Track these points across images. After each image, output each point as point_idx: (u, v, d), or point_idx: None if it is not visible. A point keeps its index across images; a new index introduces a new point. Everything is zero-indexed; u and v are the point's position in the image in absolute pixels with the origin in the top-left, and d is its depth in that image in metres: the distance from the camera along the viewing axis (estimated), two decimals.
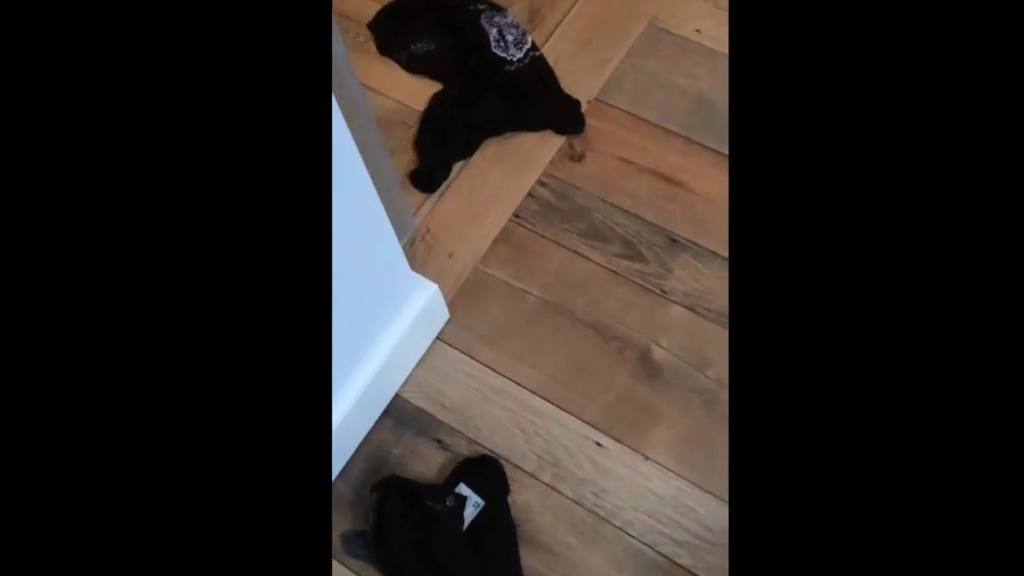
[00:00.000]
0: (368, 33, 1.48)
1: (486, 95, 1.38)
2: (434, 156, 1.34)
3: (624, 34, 1.42)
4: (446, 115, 1.37)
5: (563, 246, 1.26)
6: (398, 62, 1.45)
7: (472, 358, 1.19)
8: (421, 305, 1.12)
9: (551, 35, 1.44)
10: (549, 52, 1.42)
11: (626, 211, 1.27)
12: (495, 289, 1.24)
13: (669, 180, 1.29)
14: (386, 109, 1.41)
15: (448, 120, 1.36)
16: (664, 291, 1.21)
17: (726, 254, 1.22)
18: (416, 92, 1.41)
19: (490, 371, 1.18)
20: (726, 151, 1.30)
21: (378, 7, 1.51)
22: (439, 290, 1.15)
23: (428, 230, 1.29)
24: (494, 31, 1.42)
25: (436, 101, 1.39)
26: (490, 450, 1.13)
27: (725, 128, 1.30)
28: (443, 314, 1.19)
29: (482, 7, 1.46)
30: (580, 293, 1.22)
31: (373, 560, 1.06)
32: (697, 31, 1.41)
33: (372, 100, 1.41)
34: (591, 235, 1.26)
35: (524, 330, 1.20)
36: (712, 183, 1.28)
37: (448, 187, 1.33)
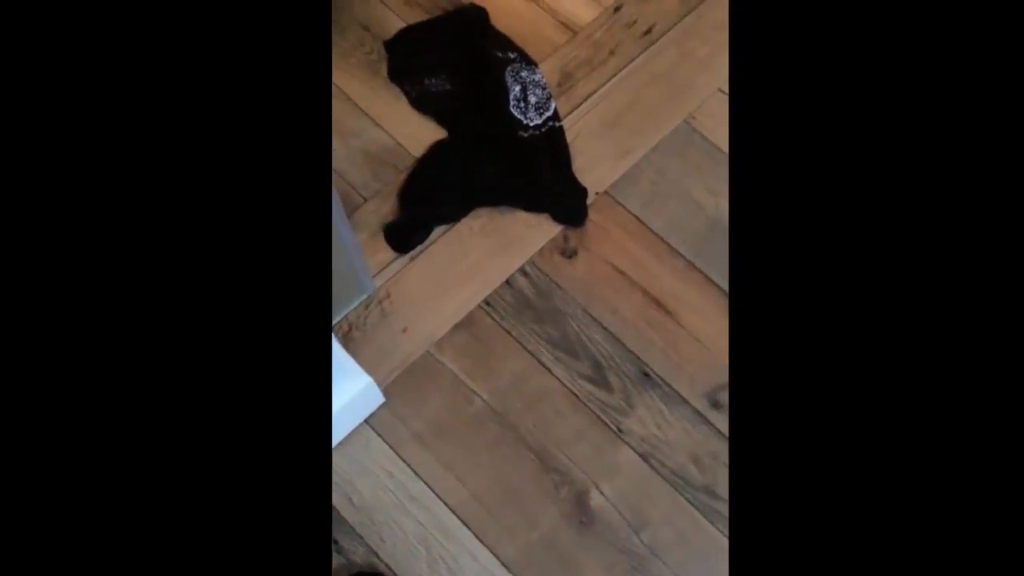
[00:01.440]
0: (383, 52, 1.33)
1: (491, 159, 1.23)
2: (417, 214, 1.19)
3: (655, 125, 1.27)
4: (442, 171, 1.22)
5: (527, 350, 1.12)
6: (407, 94, 1.30)
7: (397, 454, 1.06)
8: (349, 397, 0.99)
9: (578, 106, 1.29)
10: (570, 125, 1.27)
11: (605, 328, 1.14)
12: (443, 381, 1.10)
13: (659, 305, 1.15)
14: (380, 145, 1.26)
15: (443, 177, 1.22)
16: (621, 430, 1.08)
17: (697, 405, 1.09)
18: (417, 134, 1.27)
19: (412, 474, 1.05)
20: (726, 288, 1.16)
21: (402, 24, 1.36)
22: (373, 383, 1.02)
23: (388, 295, 1.15)
24: (517, 88, 1.27)
25: (435, 152, 1.25)
26: (388, 566, 1.00)
27: None
28: (377, 398, 1.06)
29: (512, 56, 1.31)
30: (531, 409, 1.09)
31: None
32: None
33: (368, 131, 1.27)
34: (560, 345, 1.13)
35: (461, 435, 1.07)
36: (704, 321, 1.14)
37: (423, 250, 1.18)
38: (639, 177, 1.24)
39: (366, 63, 1.32)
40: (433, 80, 1.30)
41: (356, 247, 1.03)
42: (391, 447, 1.06)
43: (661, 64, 1.32)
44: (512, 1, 1.38)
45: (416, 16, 1.36)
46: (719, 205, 1.21)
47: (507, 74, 1.28)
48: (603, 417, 1.08)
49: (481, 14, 1.35)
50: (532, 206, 1.21)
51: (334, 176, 1.23)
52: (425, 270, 1.17)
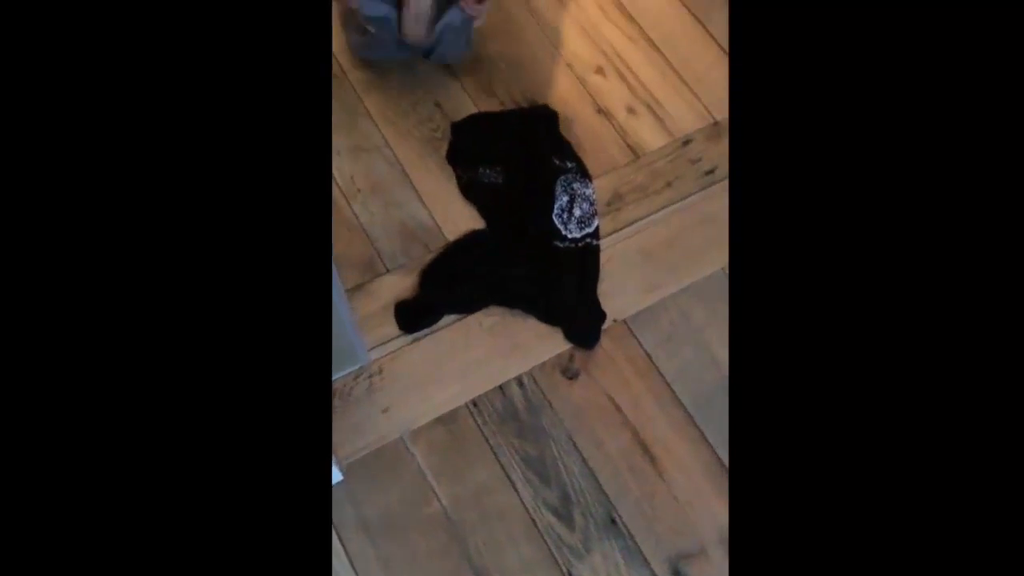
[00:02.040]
0: (448, 132, 1.34)
1: (520, 261, 1.21)
2: (432, 298, 1.18)
3: (691, 267, 1.24)
4: (469, 261, 1.21)
5: (500, 463, 1.08)
6: (458, 178, 1.30)
7: (339, 537, 1.02)
8: None
9: (620, 229, 1.27)
10: (607, 246, 1.25)
11: (585, 460, 1.09)
12: (407, 473, 1.07)
13: (646, 452, 1.10)
14: (418, 221, 1.26)
15: (468, 268, 1.20)
16: (571, 574, 1.02)
17: (657, 569, 1.02)
18: (457, 219, 1.26)
19: (347, 563, 1.01)
20: (724, 458, 1.10)
21: (474, 110, 1.37)
22: (332, 458, 1.00)
23: (380, 370, 1.13)
24: (565, 198, 1.26)
25: (468, 240, 1.24)
26: None
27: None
28: (335, 474, 1.04)
29: (570, 165, 1.30)
30: (486, 525, 1.04)
31: None
32: None
33: (410, 205, 1.27)
34: (535, 467, 1.08)
35: (409, 536, 1.03)
36: (688, 480, 1.08)
37: (428, 334, 1.17)
38: (661, 315, 1.20)
39: (429, 139, 1.33)
40: (487, 170, 1.30)
41: (351, 322, 1.02)
42: (335, 528, 1.03)
43: (713, 207, 1.28)
44: (586, 111, 1.37)
45: (490, 105, 1.37)
46: None
47: (559, 182, 1.27)
48: (556, 554, 1.03)
49: (551, 117, 1.35)
50: (547, 317, 1.18)
51: (366, 239, 1.24)
52: (424, 355, 1.15)
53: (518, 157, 1.31)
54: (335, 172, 1.29)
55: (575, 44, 1.44)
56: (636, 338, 1.18)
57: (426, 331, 1.17)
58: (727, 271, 1.23)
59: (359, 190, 1.28)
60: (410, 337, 1.16)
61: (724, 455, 1.09)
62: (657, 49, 1.44)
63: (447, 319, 1.18)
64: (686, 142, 1.35)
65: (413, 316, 1.16)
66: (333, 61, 1.39)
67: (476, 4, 1.30)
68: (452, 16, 1.29)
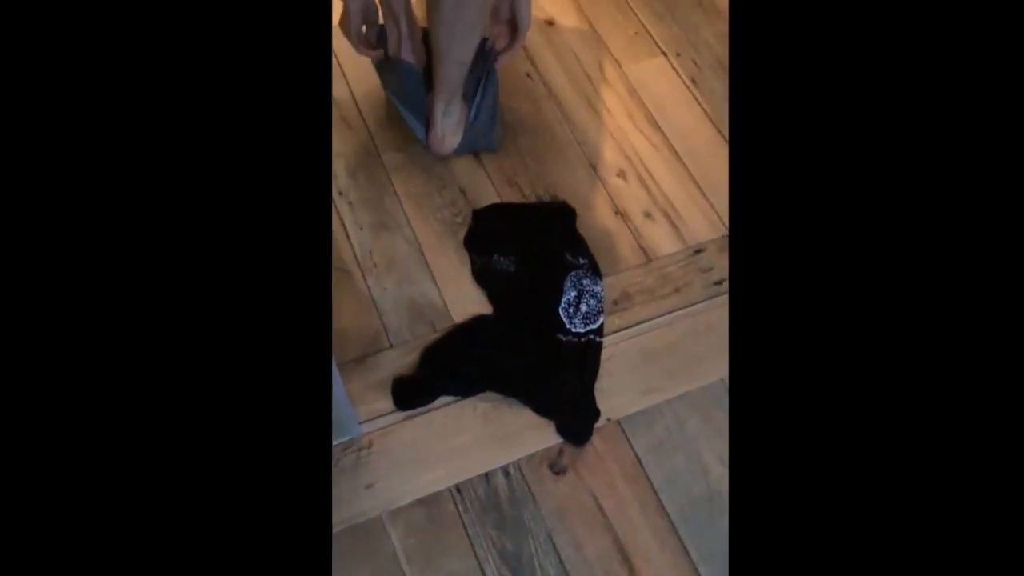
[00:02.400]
0: (468, 218, 1.37)
1: (521, 351, 1.22)
2: (431, 378, 1.19)
3: (691, 375, 1.23)
4: (471, 345, 1.22)
5: (475, 554, 1.07)
6: (472, 263, 1.33)
7: None
8: None
9: (625, 329, 1.27)
10: (610, 344, 1.25)
11: (561, 561, 1.07)
12: (380, 555, 1.06)
13: (625, 559, 1.07)
14: (427, 300, 1.28)
15: (469, 352, 1.21)
16: None
17: None
18: (465, 303, 1.28)
19: None
20: (704, 574, 1.07)
21: (496, 200, 1.40)
22: None
23: (370, 444, 1.14)
24: (573, 293, 1.28)
25: (473, 324, 1.25)
26: None
27: (714, 546, 1.08)
28: None
29: (582, 262, 1.32)
30: None
31: None
32: None
33: (422, 284, 1.30)
34: (510, 562, 1.06)
35: None
36: None
37: (420, 413, 1.17)
38: (656, 420, 1.19)
39: (450, 223, 1.37)
40: (501, 258, 1.33)
41: (343, 395, 1.03)
42: None
43: (719, 318, 1.29)
44: (604, 211, 1.40)
45: (511, 196, 1.41)
46: (724, 478, 1.14)
47: (570, 277, 1.29)
48: None
49: (569, 213, 1.38)
50: (541, 409, 1.18)
51: (375, 313, 1.26)
52: (414, 434, 1.15)
53: (533, 248, 1.34)
54: (355, 246, 1.33)
55: (601, 147, 1.48)
56: (628, 440, 1.17)
57: (420, 410, 1.17)
58: (726, 382, 1.22)
59: (375, 265, 1.31)
60: (403, 414, 1.16)
61: (704, 571, 1.07)
62: (680, 159, 1.47)
63: (442, 400, 1.18)
64: (698, 251, 1.37)
65: (409, 394, 1.17)
66: (368, 139, 1.45)
67: (505, 50, 1.38)
68: (477, 125, 1.37)
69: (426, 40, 1.37)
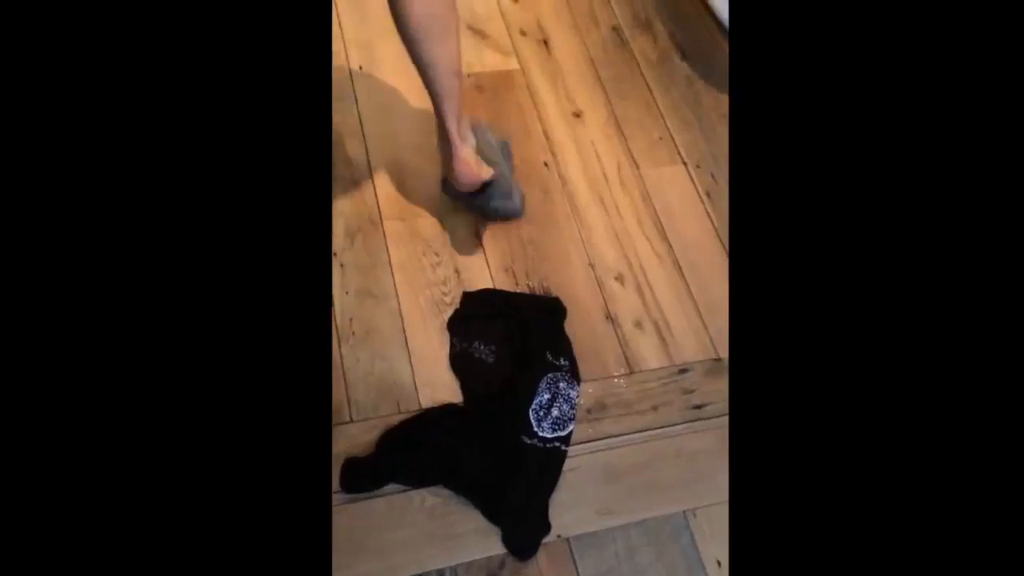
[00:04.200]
0: (457, 300, 1.32)
1: (481, 448, 1.16)
2: (384, 464, 1.12)
3: (652, 502, 1.15)
4: (432, 435, 1.16)
5: None
6: (451, 347, 1.27)
7: None
8: None
9: (593, 441, 1.20)
10: (574, 455, 1.18)
11: None
12: None
13: None
14: (399, 379, 1.22)
15: (429, 441, 1.15)
16: None
17: None
18: (436, 387, 1.22)
19: None
20: None
21: (489, 285, 1.35)
22: None
23: None
24: (547, 395, 1.21)
25: (438, 413, 1.19)
26: None
27: None
28: None
29: (562, 363, 1.26)
30: None
31: None
32: (718, 562, 1.12)
33: (397, 361, 1.24)
34: None
35: None
36: None
37: (365, 498, 1.11)
38: (607, 544, 1.11)
39: (438, 301, 1.32)
40: (481, 346, 1.27)
41: None
42: None
43: (694, 445, 1.21)
44: (595, 313, 1.35)
45: (505, 283, 1.36)
46: None
47: (546, 378, 1.23)
48: None
49: (559, 311, 1.32)
50: (490, 515, 1.11)
51: (343, 384, 1.21)
52: (352, 521, 1.08)
53: (514, 342, 1.28)
54: (336, 311, 1.28)
55: (604, 247, 1.43)
56: (575, 562, 1.09)
57: (365, 494, 1.11)
58: (688, 516, 1.14)
59: (353, 333, 1.26)
60: (346, 497, 1.10)
61: None
62: (681, 273, 1.41)
63: (390, 486, 1.12)
64: (683, 370, 1.30)
65: (357, 478, 1.11)
66: (373, 204, 1.42)
67: None
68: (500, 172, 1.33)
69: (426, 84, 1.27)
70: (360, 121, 1.52)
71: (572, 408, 1.21)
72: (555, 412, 1.20)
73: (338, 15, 1.65)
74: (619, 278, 1.39)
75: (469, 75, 1.62)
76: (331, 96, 1.44)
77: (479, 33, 1.70)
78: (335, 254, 1.34)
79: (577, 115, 1.61)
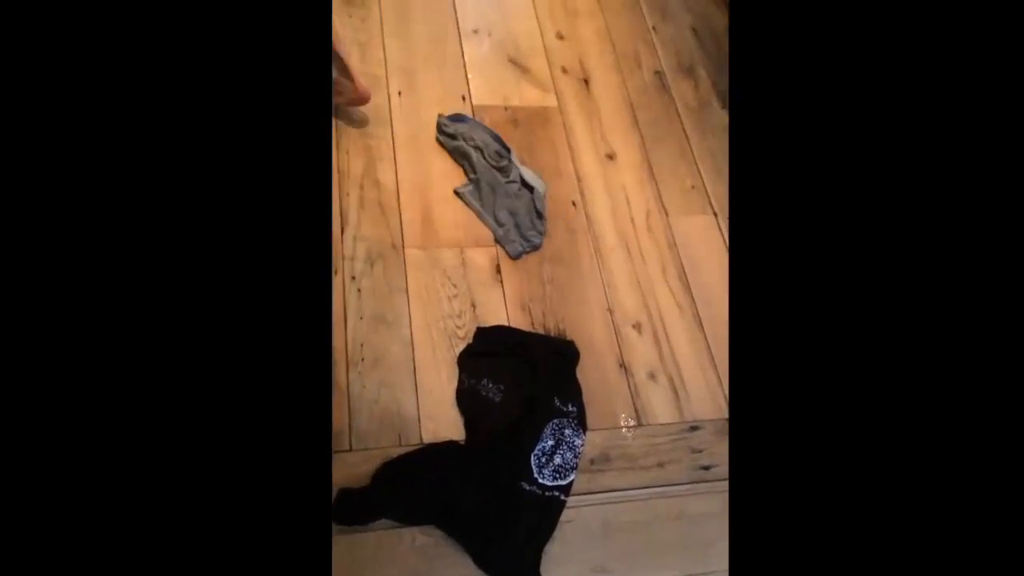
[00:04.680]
0: (471, 334, 1.30)
1: (478, 490, 1.13)
2: (379, 497, 1.10)
3: (646, 563, 1.11)
4: (430, 472, 1.13)
5: None
6: (459, 382, 1.24)
7: None
8: None
9: (593, 494, 1.17)
10: (572, 505, 1.14)
11: None
12: None
13: None
14: (402, 411, 1.20)
15: (426, 479, 1.12)
16: None
17: None
18: (439, 422, 1.20)
19: None
20: None
21: (504, 323, 1.33)
22: None
23: None
24: (550, 442, 1.18)
25: (438, 450, 1.16)
26: None
27: None
28: None
29: (570, 410, 1.22)
30: None
31: None
32: None
33: (403, 392, 1.22)
34: None
35: None
36: None
37: (355, 531, 1.08)
38: None
39: (451, 333, 1.30)
40: (490, 384, 1.24)
41: None
42: None
43: (697, 508, 1.17)
44: (609, 359, 1.31)
45: (521, 320, 1.33)
46: None
47: (552, 423, 1.20)
48: None
49: (572, 356, 1.29)
50: (481, 560, 1.07)
51: (346, 410, 1.19)
52: (339, 554, 1.06)
53: (524, 383, 1.25)
54: (349, 335, 1.27)
55: (624, 293, 1.40)
56: None
57: (356, 527, 1.08)
58: None
59: (363, 359, 1.24)
60: (337, 528, 1.07)
61: None
62: (701, 327, 1.37)
63: (382, 521, 1.09)
64: (694, 427, 1.26)
65: (351, 510, 1.08)
66: (398, 230, 1.40)
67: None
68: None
69: None
70: (394, 146, 1.51)
71: (576, 457, 1.18)
72: (557, 459, 1.17)
73: (383, 41, 1.66)
74: (637, 326, 1.36)
75: (507, 108, 1.60)
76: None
77: (521, 67, 1.69)
78: (354, 278, 1.33)
79: (610, 157, 1.59)
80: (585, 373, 1.28)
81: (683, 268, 1.44)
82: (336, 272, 1.32)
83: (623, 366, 1.31)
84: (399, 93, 1.59)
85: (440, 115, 1.53)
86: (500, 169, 1.48)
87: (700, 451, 1.23)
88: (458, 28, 1.71)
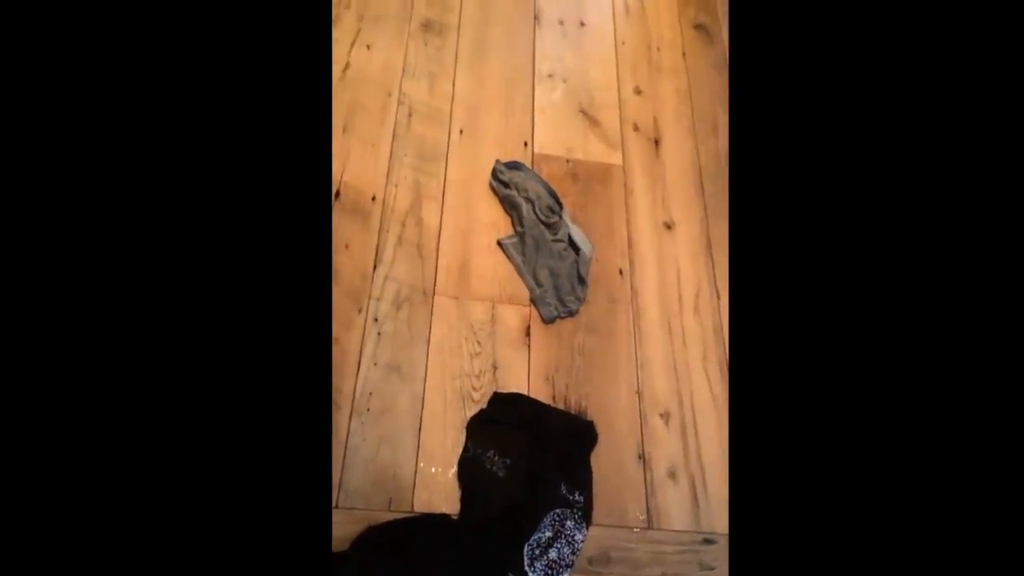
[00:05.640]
0: (486, 398, 1.21)
1: (457, 573, 1.03)
2: (355, 566, 1.01)
3: None
4: (411, 547, 1.04)
5: None
6: (464, 449, 1.15)
7: None
8: None
9: None
10: None
11: None
12: None
13: None
14: (399, 474, 1.12)
15: (408, 553, 1.03)
16: None
17: None
18: (435, 492, 1.11)
19: None
20: None
21: (524, 390, 1.23)
22: None
23: None
24: (548, 534, 1.07)
25: (425, 523, 1.07)
26: None
27: None
28: None
29: (577, 500, 1.11)
30: None
31: None
32: None
33: (403, 455, 1.14)
34: None
35: None
36: None
37: None
38: None
39: (466, 395, 1.21)
40: (496, 458, 1.15)
41: None
42: None
43: None
44: (628, 448, 1.20)
45: (542, 391, 1.23)
46: None
47: (554, 512, 1.09)
48: None
49: (589, 439, 1.19)
50: None
51: (340, 461, 1.11)
52: None
53: (532, 461, 1.15)
54: (360, 380, 1.19)
55: (658, 376, 1.28)
56: None
57: None
58: None
59: (368, 409, 1.17)
60: None
61: None
62: None
63: None
64: (709, 540, 1.13)
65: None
66: (431, 276, 1.33)
67: None
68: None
69: None
70: (444, 186, 1.44)
71: (573, 553, 1.07)
72: (553, 554, 1.06)
73: (455, 75, 1.59)
74: (665, 415, 1.24)
75: (568, 161, 1.51)
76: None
77: (591, 120, 1.60)
78: (376, 320, 1.26)
79: (668, 226, 1.48)
80: (600, 459, 1.18)
81: (726, 358, 1.32)
82: (360, 310, 1.25)
83: (643, 458, 1.19)
84: (460, 131, 1.52)
85: (497, 161, 1.45)
86: (549, 225, 1.39)
87: (711, 568, 1.10)
88: (533, 70, 1.63)
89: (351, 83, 1.52)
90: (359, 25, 1.62)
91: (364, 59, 1.56)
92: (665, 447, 1.21)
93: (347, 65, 1.55)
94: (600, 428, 1.20)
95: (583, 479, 1.14)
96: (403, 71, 1.56)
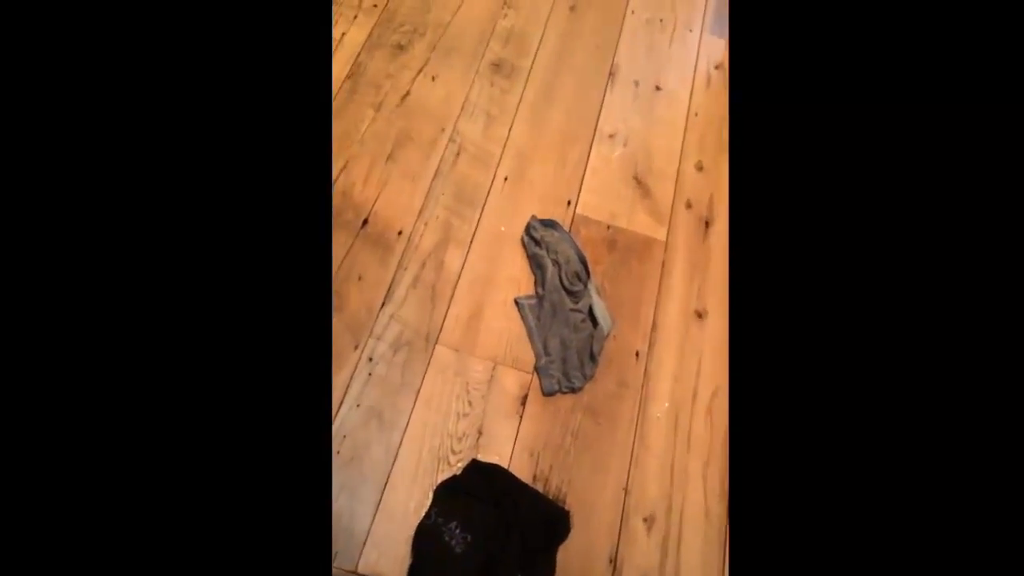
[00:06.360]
0: (463, 465, 1.14)
1: None
2: None
3: None
4: None
5: None
6: (425, 516, 1.08)
7: None
8: None
9: None
10: None
11: None
12: None
13: None
14: (353, 525, 1.05)
15: None
16: None
17: None
18: (385, 556, 1.03)
19: None
20: None
21: (505, 463, 1.16)
22: None
23: None
24: None
25: None
26: None
27: None
28: None
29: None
30: None
31: None
32: None
33: (362, 507, 1.07)
34: None
35: None
36: None
37: None
38: None
39: (443, 457, 1.14)
40: (457, 531, 1.07)
41: None
42: None
43: None
44: (600, 547, 1.10)
45: (522, 468, 1.15)
46: None
47: None
48: None
49: (560, 530, 1.09)
50: None
51: None
52: None
53: (493, 545, 1.07)
54: (337, 421, 1.14)
55: (651, 476, 1.18)
56: None
57: None
58: None
59: (338, 452, 1.11)
60: None
61: None
62: (724, 547, 1.13)
63: None
64: None
65: None
66: (439, 322, 1.27)
67: None
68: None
69: None
70: (474, 233, 1.38)
71: None
72: None
73: (513, 121, 1.54)
74: (649, 520, 1.14)
75: (609, 227, 1.43)
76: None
77: (643, 188, 1.51)
78: (371, 359, 1.21)
79: (700, 315, 1.37)
80: (568, 554, 1.08)
81: (729, 471, 1.20)
82: (356, 347, 1.20)
83: (614, 563, 1.09)
84: (505, 178, 1.46)
85: (533, 216, 1.39)
86: (572, 293, 1.31)
87: None
88: (596, 127, 1.56)
89: (407, 112, 1.49)
90: (429, 55, 1.58)
91: (426, 90, 1.53)
92: (641, 555, 1.10)
93: (407, 93, 1.52)
94: (575, 520, 1.11)
95: (544, 574, 1.05)
96: (462, 108, 1.52)
